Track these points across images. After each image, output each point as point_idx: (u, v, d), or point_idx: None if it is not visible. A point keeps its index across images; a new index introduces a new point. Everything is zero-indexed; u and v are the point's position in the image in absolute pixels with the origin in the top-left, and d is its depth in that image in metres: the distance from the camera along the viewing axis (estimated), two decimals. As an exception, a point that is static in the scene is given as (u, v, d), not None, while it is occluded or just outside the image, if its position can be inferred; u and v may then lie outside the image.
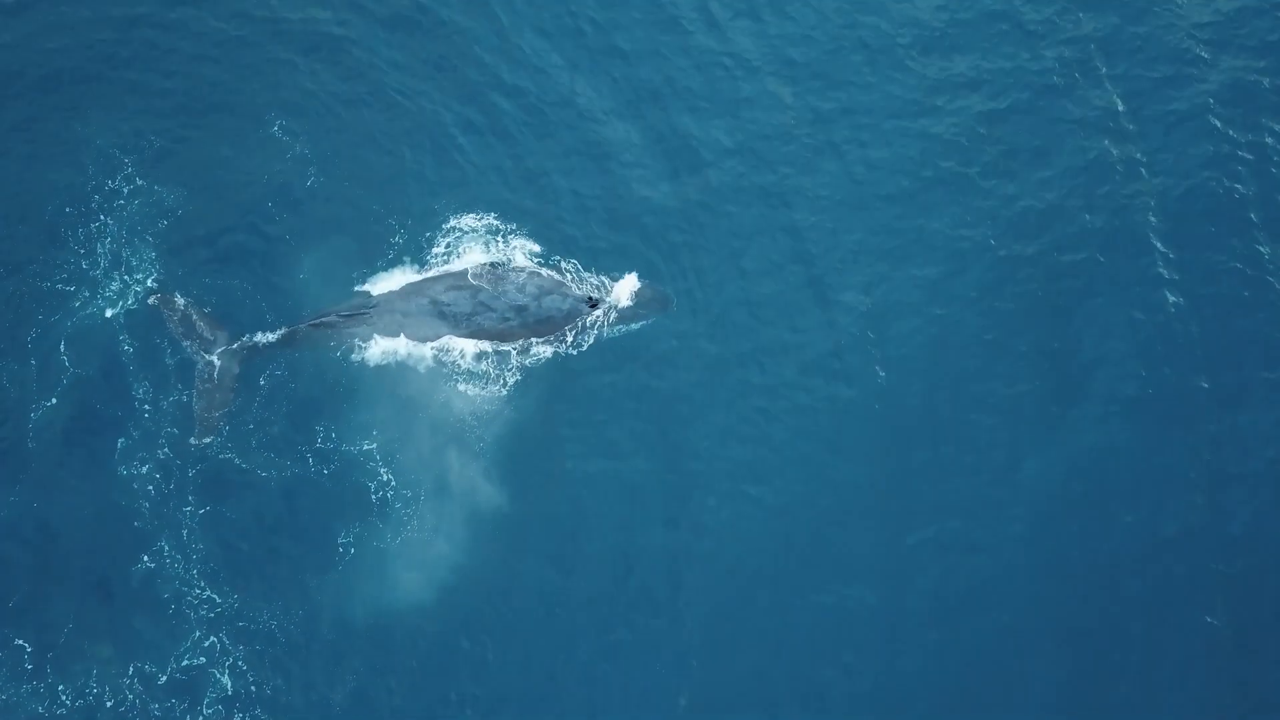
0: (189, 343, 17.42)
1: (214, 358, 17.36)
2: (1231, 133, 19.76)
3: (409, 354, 17.86)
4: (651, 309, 18.53)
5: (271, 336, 17.60)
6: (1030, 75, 20.49)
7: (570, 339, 18.14)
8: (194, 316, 17.50)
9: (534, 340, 18.06)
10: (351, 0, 20.74)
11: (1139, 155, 19.73)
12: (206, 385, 17.22)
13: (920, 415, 18.00)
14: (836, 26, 20.99)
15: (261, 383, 17.57)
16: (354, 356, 17.85)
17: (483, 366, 17.89)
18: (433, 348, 17.93)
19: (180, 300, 17.63)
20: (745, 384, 18.19)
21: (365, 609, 16.34)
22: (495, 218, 18.96)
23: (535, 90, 20.44)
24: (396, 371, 17.81)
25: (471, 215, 18.97)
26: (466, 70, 20.43)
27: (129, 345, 17.55)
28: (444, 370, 17.89)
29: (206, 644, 15.89)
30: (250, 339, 17.61)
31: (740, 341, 18.51)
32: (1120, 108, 20.10)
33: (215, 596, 16.22)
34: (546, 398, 17.81)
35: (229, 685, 15.70)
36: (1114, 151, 19.82)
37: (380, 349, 17.82)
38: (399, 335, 17.82)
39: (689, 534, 17.17)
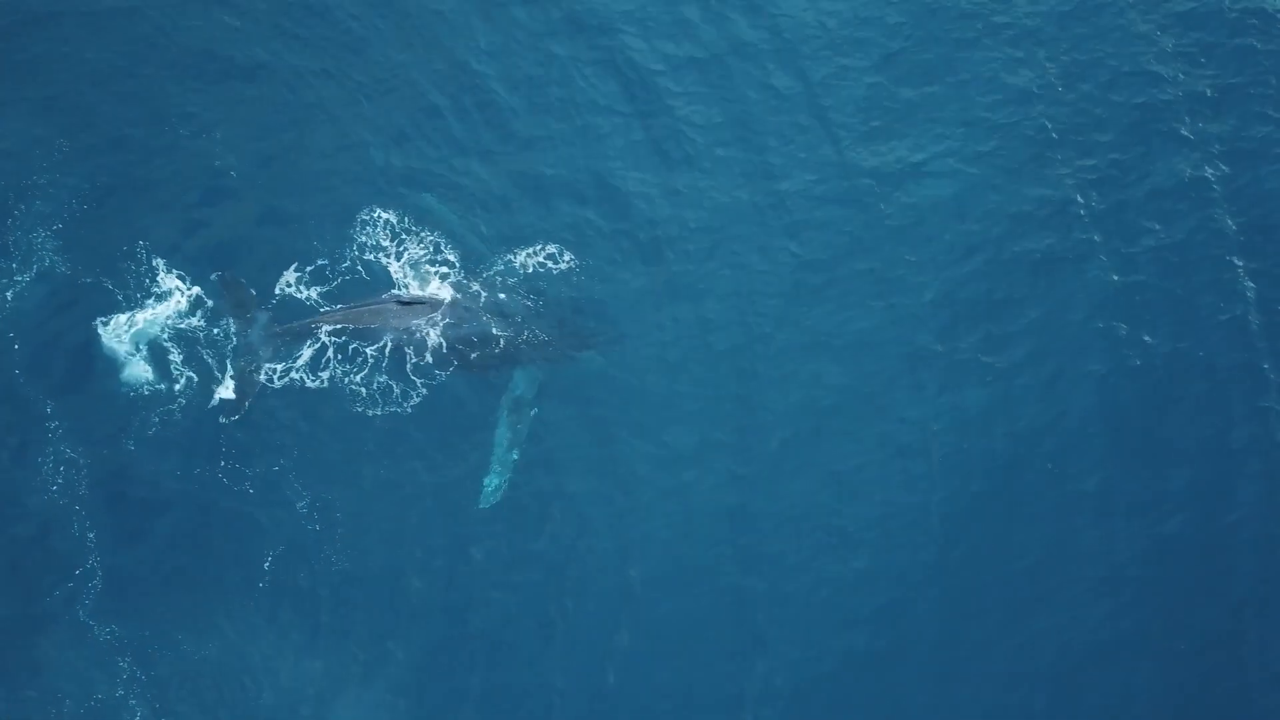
0: (234, 323, 17.55)
1: (251, 339, 17.49)
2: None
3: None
4: (588, 345, 18.17)
5: (307, 322, 17.52)
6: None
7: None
8: (243, 298, 17.65)
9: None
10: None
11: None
12: (242, 366, 17.38)
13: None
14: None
15: (189, 388, 17.24)
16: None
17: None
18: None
19: (241, 281, 17.67)
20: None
21: (285, 639, 16.23)
22: (413, 222, 18.55)
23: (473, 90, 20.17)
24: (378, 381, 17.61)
25: (393, 214, 18.57)
26: (403, 79, 20.08)
27: (19, 346, 17.15)
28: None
29: (123, 675, 15.65)
30: (286, 324, 17.50)
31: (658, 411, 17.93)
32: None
33: (124, 627, 15.91)
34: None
35: (141, 713, 15.53)
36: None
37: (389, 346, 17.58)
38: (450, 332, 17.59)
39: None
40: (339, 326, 17.61)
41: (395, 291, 17.92)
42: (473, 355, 17.77)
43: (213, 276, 17.75)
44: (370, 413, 17.33)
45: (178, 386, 17.26)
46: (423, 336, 17.64)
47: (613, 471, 17.49)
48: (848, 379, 18.22)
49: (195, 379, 17.33)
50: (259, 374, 17.41)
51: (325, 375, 17.50)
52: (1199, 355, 18.37)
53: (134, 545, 16.46)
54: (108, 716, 15.42)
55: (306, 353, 17.59)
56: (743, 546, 17.11)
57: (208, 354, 17.45)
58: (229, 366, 17.39)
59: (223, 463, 16.92)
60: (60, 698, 15.46)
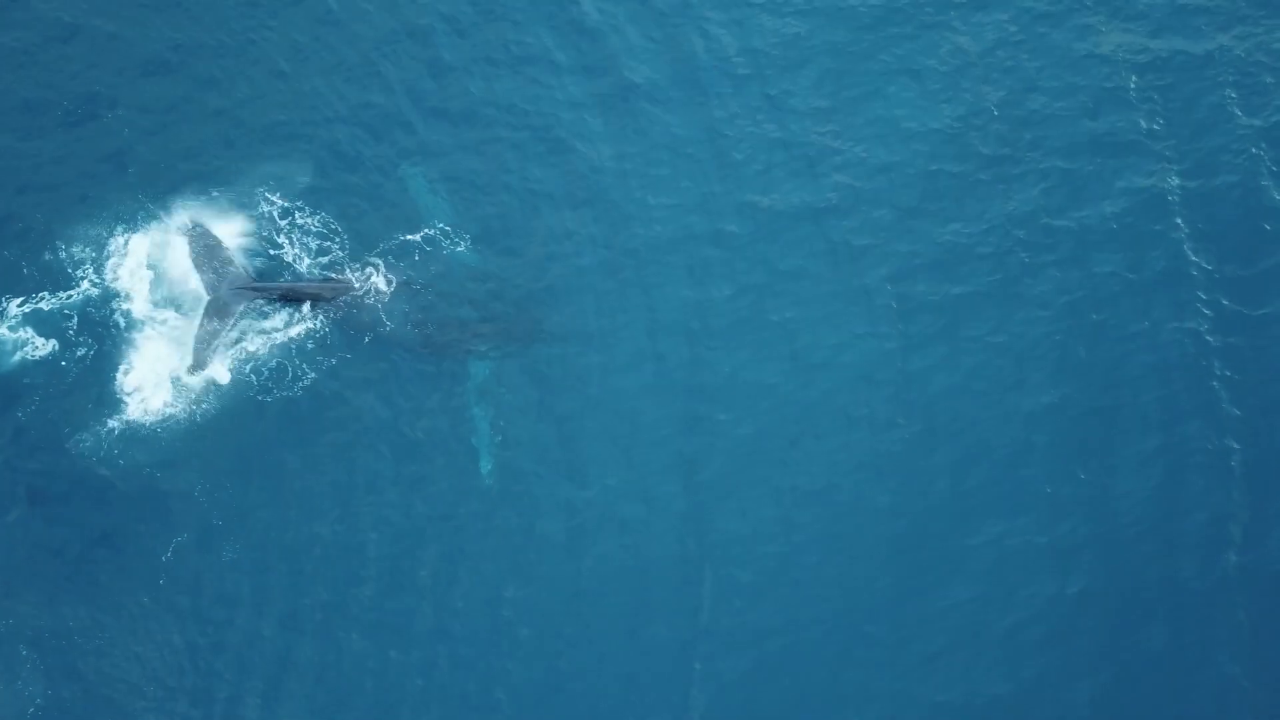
0: (201, 274, 17.44)
1: (220, 293, 17.42)
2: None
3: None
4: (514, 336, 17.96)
5: (283, 286, 17.65)
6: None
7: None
8: (214, 249, 17.52)
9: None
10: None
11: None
12: (210, 320, 17.31)
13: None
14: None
15: (86, 368, 17.14)
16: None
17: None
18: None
19: (210, 232, 17.63)
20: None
21: (182, 633, 16.39)
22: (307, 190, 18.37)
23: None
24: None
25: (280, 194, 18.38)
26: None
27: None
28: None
29: (25, 666, 15.82)
30: (260, 282, 17.62)
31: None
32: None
33: (20, 616, 16.06)
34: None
35: (40, 701, 15.80)
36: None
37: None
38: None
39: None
40: (309, 298, 17.57)
41: (367, 271, 17.85)
42: (430, 340, 17.76)
43: (181, 226, 17.66)
44: (270, 398, 17.33)
45: (77, 362, 17.26)
46: (387, 317, 17.67)
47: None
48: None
49: (93, 358, 17.27)
50: (227, 330, 17.29)
51: (248, 354, 17.48)
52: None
53: (34, 531, 16.55)
54: (5, 706, 15.68)
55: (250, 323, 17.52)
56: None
57: (107, 332, 17.38)
58: (197, 319, 17.23)
59: (117, 449, 16.89)
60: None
